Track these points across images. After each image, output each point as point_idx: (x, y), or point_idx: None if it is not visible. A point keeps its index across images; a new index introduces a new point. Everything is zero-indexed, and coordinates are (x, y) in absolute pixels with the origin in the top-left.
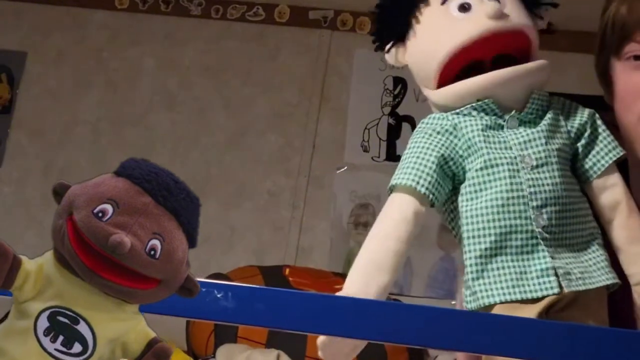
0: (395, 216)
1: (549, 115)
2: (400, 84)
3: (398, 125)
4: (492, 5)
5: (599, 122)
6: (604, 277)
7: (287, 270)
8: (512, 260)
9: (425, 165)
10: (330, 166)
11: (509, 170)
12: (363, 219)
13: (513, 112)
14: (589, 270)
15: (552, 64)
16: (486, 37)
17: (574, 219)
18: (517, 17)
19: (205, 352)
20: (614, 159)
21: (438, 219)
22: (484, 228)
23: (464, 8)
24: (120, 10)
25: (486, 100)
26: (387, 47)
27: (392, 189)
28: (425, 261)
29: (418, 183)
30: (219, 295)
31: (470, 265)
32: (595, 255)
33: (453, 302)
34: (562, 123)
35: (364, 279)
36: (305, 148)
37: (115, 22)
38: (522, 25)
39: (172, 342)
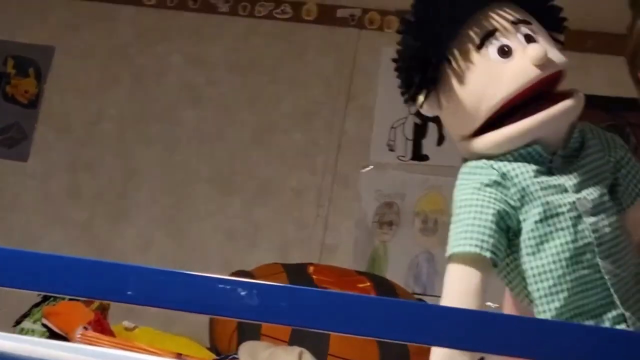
0: (467, 289)
1: (591, 150)
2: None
3: (424, 125)
4: (535, 50)
5: (627, 149)
6: None
7: (311, 268)
8: (589, 312)
9: (485, 226)
10: (356, 165)
11: (570, 217)
12: (387, 218)
13: (558, 152)
14: None
15: (578, 65)
16: (535, 84)
17: (627, 257)
18: (556, 56)
19: (228, 348)
20: None
21: None
22: (555, 285)
23: (504, 52)
24: (148, 6)
25: (535, 147)
26: (421, 96)
27: (451, 257)
28: None
29: (482, 248)
30: (243, 293)
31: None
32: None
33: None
34: (605, 154)
35: None
36: (330, 146)
37: (143, 18)
38: (563, 65)
39: (195, 338)
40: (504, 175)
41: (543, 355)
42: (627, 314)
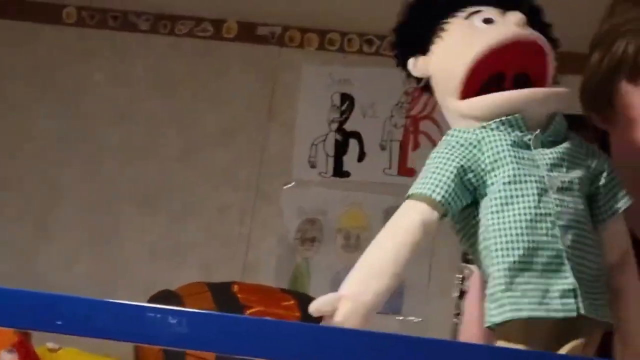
0: (402, 222)
1: (569, 145)
2: (348, 100)
3: (345, 141)
4: (517, 14)
5: (611, 166)
6: (609, 316)
7: (236, 287)
8: (539, 277)
9: (444, 175)
10: (278, 182)
11: (537, 187)
12: (310, 235)
13: (537, 131)
14: (599, 303)
15: None
16: (513, 43)
17: (590, 249)
18: (537, 34)
19: None
20: (627, 205)
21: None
22: (512, 241)
23: (488, 21)
24: (69, 24)
25: (516, 115)
26: (412, 59)
27: (406, 199)
28: None
29: (434, 191)
30: (172, 321)
31: (499, 277)
32: (603, 291)
33: (399, 318)
34: (584, 157)
35: (360, 286)
36: (253, 163)
37: (64, 37)
38: (543, 41)
39: (120, 358)
40: (480, 140)
41: None
42: (579, 289)
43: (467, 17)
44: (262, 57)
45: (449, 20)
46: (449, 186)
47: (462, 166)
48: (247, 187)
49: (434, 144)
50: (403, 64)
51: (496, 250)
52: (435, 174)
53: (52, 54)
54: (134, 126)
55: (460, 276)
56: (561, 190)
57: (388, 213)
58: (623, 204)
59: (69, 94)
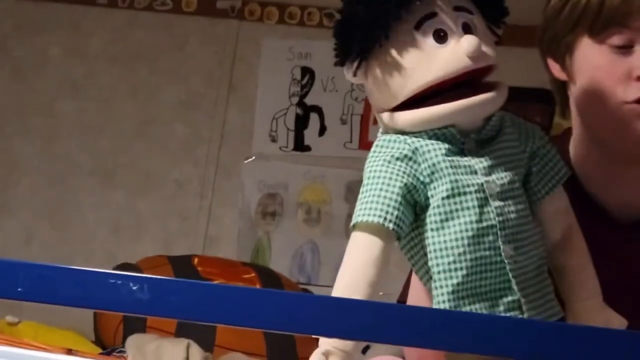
0: (364, 261)
1: (507, 137)
2: (308, 74)
3: (306, 115)
4: (469, 42)
5: (547, 141)
6: (556, 309)
7: (196, 260)
8: (484, 299)
9: (391, 199)
10: (239, 156)
11: (477, 198)
12: (271, 209)
13: (472, 135)
14: (543, 302)
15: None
16: (463, 74)
17: (531, 246)
18: (491, 50)
19: (114, 342)
20: (564, 179)
21: (346, 209)
22: (454, 262)
23: (440, 37)
24: None
25: (450, 129)
26: (354, 63)
27: (355, 226)
28: (332, 250)
29: (385, 219)
30: (134, 288)
31: (442, 301)
32: (545, 284)
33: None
34: (519, 144)
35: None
36: (213, 137)
37: (21, 10)
38: (494, 60)
39: (79, 331)
40: (415, 151)
41: (430, 342)
42: (523, 300)
43: (417, 27)
44: (221, 31)
45: (397, 26)
46: (398, 210)
47: (405, 185)
48: (208, 161)
49: None
50: (342, 63)
51: (438, 272)
52: (382, 197)
53: (8, 27)
54: (91, 100)
55: None
56: (501, 194)
57: (349, 187)
58: (560, 177)
59: (25, 68)
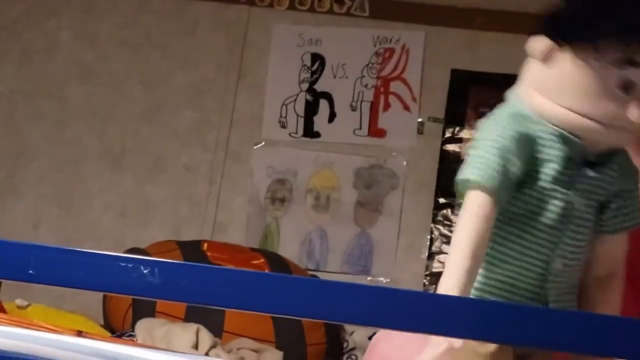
0: (486, 221)
1: (609, 169)
2: (318, 60)
3: (316, 102)
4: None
5: (637, 185)
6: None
7: (205, 245)
8: (520, 294)
9: (510, 179)
10: (248, 141)
11: (557, 213)
12: (280, 195)
13: (589, 156)
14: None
15: (467, 42)
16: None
17: (576, 267)
18: None
19: (123, 326)
20: (634, 227)
21: (355, 195)
22: (507, 258)
23: (625, 87)
24: None
25: (578, 141)
26: (555, 48)
27: (471, 182)
28: (341, 237)
29: (501, 190)
30: (145, 271)
31: (480, 290)
32: (572, 301)
33: (369, 278)
34: (615, 180)
35: (463, 288)
36: (222, 123)
37: None
38: None
39: (88, 316)
40: (535, 141)
41: (437, 329)
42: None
43: (620, 66)
44: (232, 17)
45: (606, 46)
46: (511, 189)
47: (522, 171)
48: (217, 146)
49: (404, 105)
50: (535, 33)
51: (486, 262)
52: (504, 167)
53: (19, 11)
54: (101, 84)
55: (429, 237)
56: (576, 218)
57: (358, 174)
58: (631, 225)
59: (35, 52)
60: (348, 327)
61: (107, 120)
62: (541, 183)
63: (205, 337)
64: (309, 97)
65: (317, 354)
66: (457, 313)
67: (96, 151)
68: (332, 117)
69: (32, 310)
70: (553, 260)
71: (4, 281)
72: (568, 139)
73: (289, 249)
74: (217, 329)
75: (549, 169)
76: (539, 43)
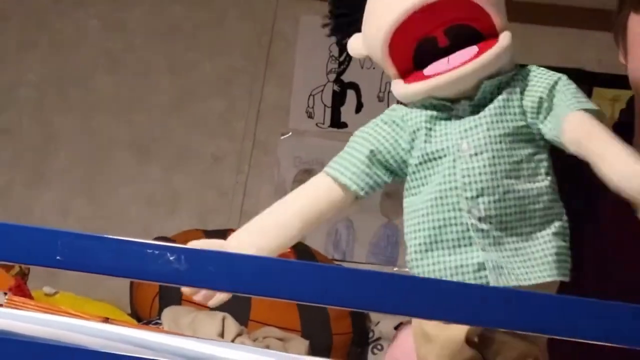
0: (305, 192)
1: (500, 97)
2: (346, 51)
3: (343, 92)
4: None
5: (564, 85)
6: (545, 273)
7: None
8: (448, 255)
9: (357, 158)
10: (275, 131)
11: (447, 161)
12: None
13: (462, 101)
14: (530, 265)
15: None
16: (421, 9)
17: (520, 207)
18: None
19: (149, 314)
20: (576, 109)
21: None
22: (418, 223)
23: None
24: None
25: (431, 100)
26: (345, 38)
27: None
28: (367, 228)
29: (342, 174)
30: (171, 258)
31: (410, 261)
32: (544, 247)
33: (395, 269)
34: (516, 102)
35: (246, 240)
36: (250, 113)
37: None
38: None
39: (115, 304)
40: (402, 117)
41: (448, 315)
42: (490, 265)
43: None
44: (260, 7)
45: None
46: (357, 168)
47: (376, 148)
48: (244, 136)
49: None
50: (340, 40)
51: (406, 234)
52: (349, 155)
53: (47, 1)
54: (129, 74)
55: None
56: (475, 155)
57: None
58: (569, 108)
59: (63, 41)
60: (374, 317)
61: (135, 110)
62: (418, 154)
63: (231, 325)
64: (336, 88)
65: (343, 344)
66: (485, 301)
67: (124, 140)
68: (359, 107)
69: (60, 298)
70: (471, 208)
71: (32, 269)
72: (425, 104)
73: (315, 240)
74: (243, 318)
75: (420, 141)
76: (348, 48)
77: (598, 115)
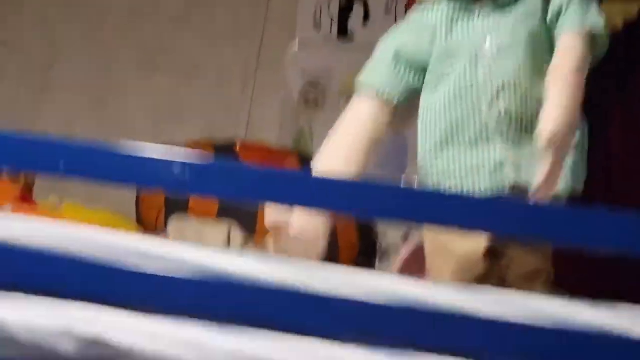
0: (356, 119)
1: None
2: None
3: (350, 3)
4: None
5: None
6: (560, 185)
7: (239, 146)
8: (464, 152)
9: (381, 60)
10: (281, 43)
11: (467, 59)
12: (313, 96)
13: (486, 0)
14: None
15: None
16: None
17: (538, 105)
18: None
19: (155, 225)
20: (571, 31)
21: None
22: (435, 120)
23: None
24: None
25: None
26: None
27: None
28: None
29: (373, 78)
30: (176, 165)
31: (423, 159)
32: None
33: (403, 176)
34: (539, 4)
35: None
36: (256, 24)
37: None
38: None
39: (122, 216)
40: (423, 15)
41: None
42: (510, 163)
43: None
44: None
45: None
46: (391, 76)
47: (405, 50)
48: (250, 47)
49: None
50: None
51: (420, 132)
52: (380, 61)
53: None
54: None
55: None
56: (498, 54)
57: None
58: (576, 24)
59: None
60: (381, 229)
61: (141, 22)
62: (438, 50)
63: (237, 235)
64: None
65: (350, 254)
66: (489, 210)
67: (130, 53)
68: (366, 19)
69: (66, 208)
70: (489, 108)
71: (37, 180)
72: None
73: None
74: (249, 229)
75: (441, 36)
76: None
77: (592, 38)
